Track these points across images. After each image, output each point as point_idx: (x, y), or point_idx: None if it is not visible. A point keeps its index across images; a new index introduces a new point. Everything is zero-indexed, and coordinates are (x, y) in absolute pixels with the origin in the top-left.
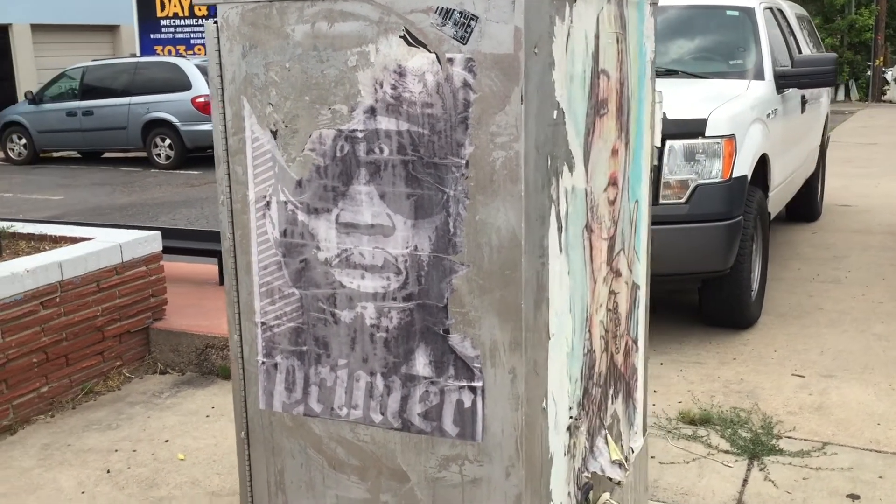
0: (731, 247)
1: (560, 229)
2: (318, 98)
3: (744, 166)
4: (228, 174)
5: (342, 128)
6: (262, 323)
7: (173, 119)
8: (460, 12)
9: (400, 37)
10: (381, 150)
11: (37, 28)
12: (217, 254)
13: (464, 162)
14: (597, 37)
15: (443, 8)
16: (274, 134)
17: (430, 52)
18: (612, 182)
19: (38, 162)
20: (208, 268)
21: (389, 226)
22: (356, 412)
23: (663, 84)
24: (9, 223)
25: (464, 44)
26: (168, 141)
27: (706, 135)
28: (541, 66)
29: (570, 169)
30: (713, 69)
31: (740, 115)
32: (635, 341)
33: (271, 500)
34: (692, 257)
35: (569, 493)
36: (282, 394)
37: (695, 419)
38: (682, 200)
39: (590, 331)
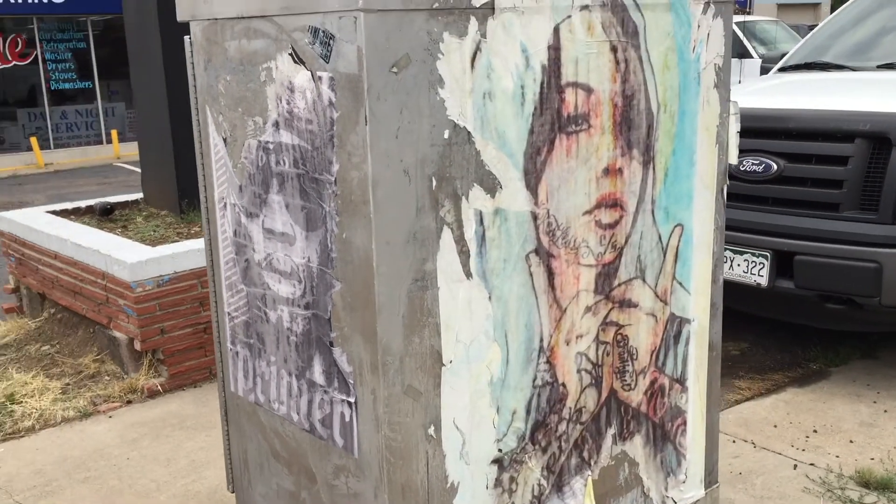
0: None
1: (466, 253)
2: (246, 110)
3: None
4: (204, 175)
5: (261, 139)
6: (228, 313)
7: None
8: (323, 31)
9: (289, 54)
10: (284, 163)
11: None
12: None
13: (333, 179)
14: (555, 48)
15: (312, 27)
16: (225, 141)
17: (307, 69)
18: (610, 204)
19: None
20: None
21: (293, 235)
22: (283, 408)
23: None
24: None
25: (327, 62)
26: None
27: None
28: (410, 85)
29: (490, 191)
30: None
31: None
32: (678, 380)
33: (242, 475)
34: None
35: None
36: (241, 380)
37: (871, 482)
38: None
39: (550, 361)
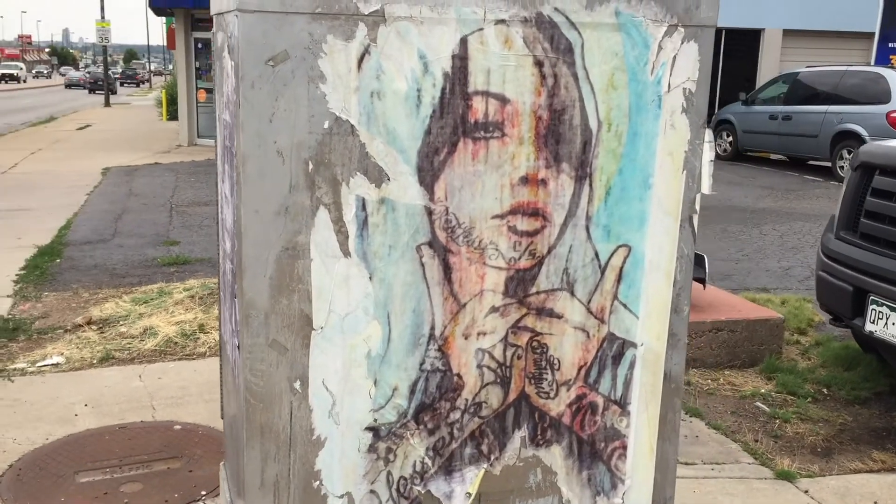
0: None
1: (344, 233)
2: (220, 91)
3: None
4: (216, 145)
5: (221, 116)
6: (219, 262)
7: (862, 132)
8: (230, 26)
9: (226, 45)
10: (226, 136)
11: (788, 33)
12: None
13: (235, 152)
14: (462, 58)
15: (227, 23)
16: (218, 118)
17: (230, 58)
18: (529, 213)
19: (740, 159)
20: None
21: (229, 198)
22: (228, 346)
23: None
24: None
25: (232, 53)
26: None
27: None
28: (287, 77)
29: (376, 181)
30: None
31: None
32: (617, 403)
33: (223, 399)
34: None
35: (373, 492)
36: (224, 321)
37: None
38: None
39: (443, 350)
